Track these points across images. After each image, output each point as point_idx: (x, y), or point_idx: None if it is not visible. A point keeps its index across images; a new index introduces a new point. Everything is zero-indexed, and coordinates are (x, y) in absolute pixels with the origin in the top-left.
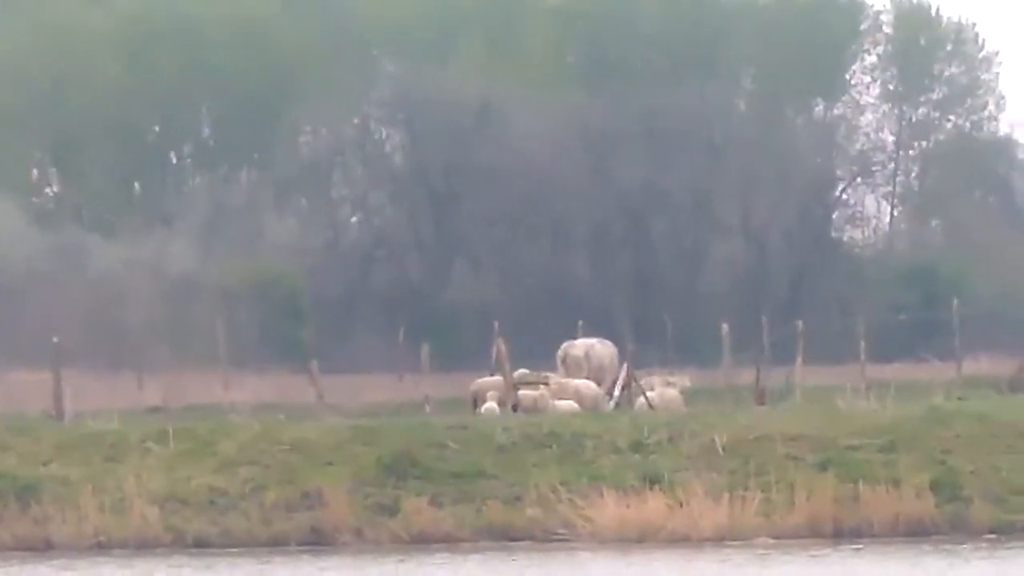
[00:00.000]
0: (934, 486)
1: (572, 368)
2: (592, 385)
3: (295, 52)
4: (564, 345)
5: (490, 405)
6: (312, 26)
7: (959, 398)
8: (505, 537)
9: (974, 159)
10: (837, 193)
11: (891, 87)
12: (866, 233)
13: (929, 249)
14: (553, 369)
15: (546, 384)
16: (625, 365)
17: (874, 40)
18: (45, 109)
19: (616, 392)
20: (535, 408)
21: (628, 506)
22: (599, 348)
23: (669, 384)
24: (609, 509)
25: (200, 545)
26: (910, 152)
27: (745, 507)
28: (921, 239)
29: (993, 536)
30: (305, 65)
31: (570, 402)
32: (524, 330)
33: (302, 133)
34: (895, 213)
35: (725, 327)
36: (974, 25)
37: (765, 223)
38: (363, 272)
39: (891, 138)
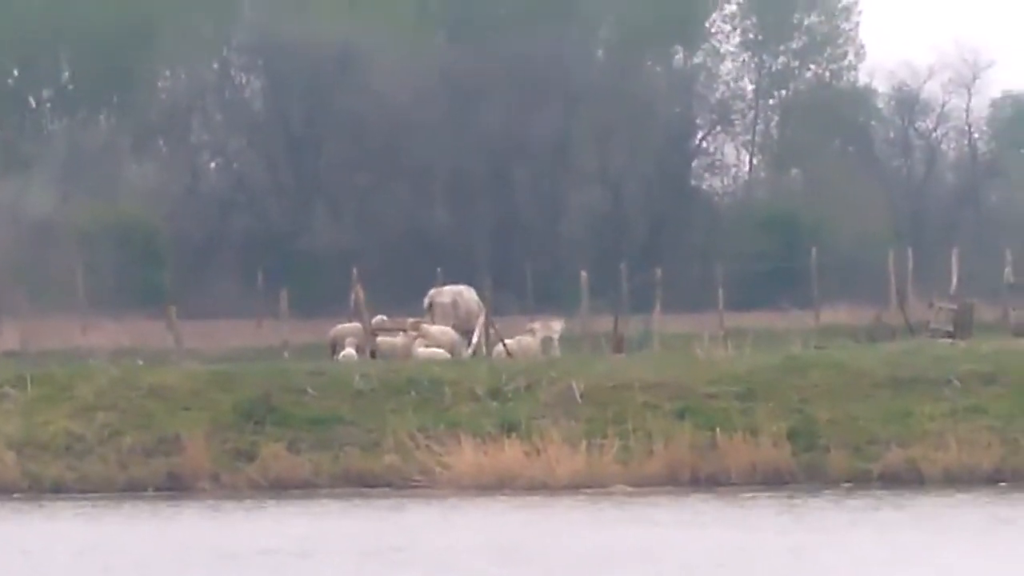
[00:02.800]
0: (791, 435)
1: (439, 315)
2: (448, 331)
3: None
4: (431, 292)
5: (348, 351)
6: None
7: (817, 347)
8: (362, 483)
9: (833, 108)
10: (696, 141)
11: (751, 35)
12: (725, 182)
13: (788, 198)
14: (412, 315)
15: (404, 331)
16: (483, 312)
17: None
18: None
19: (475, 339)
20: (393, 354)
21: (485, 453)
22: (467, 295)
23: (547, 329)
24: (466, 456)
25: (57, 490)
26: (770, 101)
27: (603, 455)
28: (780, 188)
29: (849, 484)
30: (164, 9)
31: (438, 349)
32: (384, 276)
33: (161, 78)
34: (754, 162)
35: (584, 275)
36: None
37: (624, 171)
38: (222, 217)
39: (750, 87)
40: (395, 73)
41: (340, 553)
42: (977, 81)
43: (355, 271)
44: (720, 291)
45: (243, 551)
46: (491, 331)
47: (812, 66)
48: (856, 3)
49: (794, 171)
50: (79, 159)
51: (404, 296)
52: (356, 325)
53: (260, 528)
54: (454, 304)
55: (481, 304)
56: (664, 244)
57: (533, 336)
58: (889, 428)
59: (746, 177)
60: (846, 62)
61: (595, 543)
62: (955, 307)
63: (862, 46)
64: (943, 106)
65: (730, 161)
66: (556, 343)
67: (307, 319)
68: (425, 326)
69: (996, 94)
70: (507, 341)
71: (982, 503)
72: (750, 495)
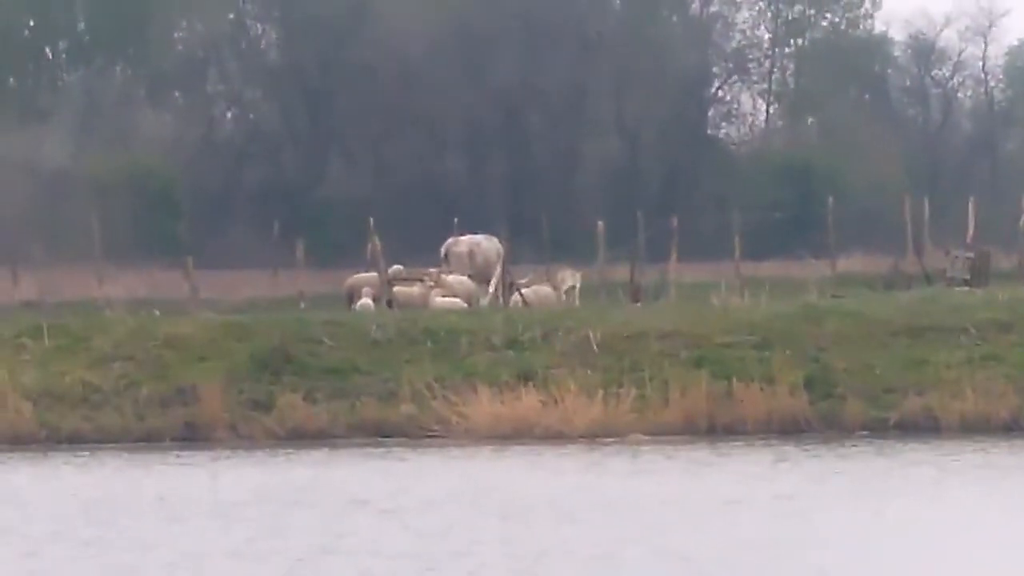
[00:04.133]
0: (808, 383)
1: (456, 264)
2: (465, 280)
3: None
4: (448, 241)
5: (365, 301)
6: None
7: (833, 295)
8: (379, 433)
9: (849, 57)
10: (712, 90)
11: None
12: (741, 130)
13: (804, 146)
14: (428, 264)
15: (421, 281)
16: (501, 261)
17: None
18: None
19: (491, 288)
20: (410, 304)
21: (502, 403)
22: (485, 245)
23: (573, 278)
24: (483, 406)
25: (74, 441)
26: (786, 49)
27: (619, 404)
28: (796, 136)
29: (865, 433)
30: None
31: (455, 299)
32: (399, 226)
33: (177, 28)
34: (770, 111)
35: (600, 224)
36: None
37: (640, 120)
38: (238, 167)
39: (767, 35)
40: (409, 22)
41: (327, 502)
42: (993, 29)
43: (371, 221)
44: (736, 240)
45: (235, 501)
46: (518, 281)
47: (828, 14)
48: None
49: (810, 120)
50: (95, 110)
51: (420, 246)
52: (373, 275)
53: (257, 478)
54: (471, 254)
55: (501, 253)
56: (680, 193)
57: (561, 286)
58: (905, 376)
59: (762, 126)
60: (862, 10)
61: (579, 492)
62: (972, 255)
63: None
64: (959, 54)
65: (746, 110)
66: (577, 292)
67: (323, 269)
68: (443, 275)
69: (1013, 42)
70: (523, 290)
71: (976, 451)
72: (753, 445)
